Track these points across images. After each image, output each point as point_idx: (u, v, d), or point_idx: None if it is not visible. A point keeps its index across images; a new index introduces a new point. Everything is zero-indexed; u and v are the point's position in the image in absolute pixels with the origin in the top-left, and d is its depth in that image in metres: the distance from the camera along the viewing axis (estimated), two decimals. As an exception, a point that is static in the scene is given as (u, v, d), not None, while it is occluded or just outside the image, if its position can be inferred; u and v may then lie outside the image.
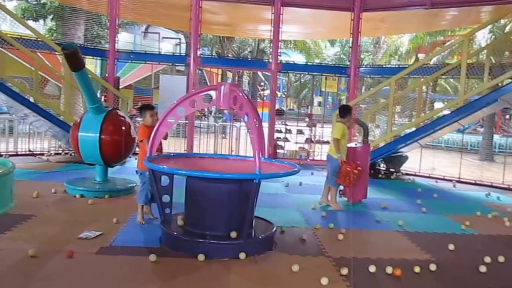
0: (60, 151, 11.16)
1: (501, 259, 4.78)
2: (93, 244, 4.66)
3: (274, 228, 5.01)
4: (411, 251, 5.04)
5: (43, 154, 10.79)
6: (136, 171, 5.74)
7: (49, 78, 14.51)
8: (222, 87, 4.84)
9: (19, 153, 10.74)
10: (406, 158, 10.73)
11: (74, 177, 7.61)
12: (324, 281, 3.90)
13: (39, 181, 7.74)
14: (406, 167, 10.95)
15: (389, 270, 4.25)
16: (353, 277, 4.08)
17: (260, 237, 4.82)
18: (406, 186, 9.39)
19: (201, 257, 4.31)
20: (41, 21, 16.53)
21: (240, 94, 4.78)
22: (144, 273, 4.02)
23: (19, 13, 15.30)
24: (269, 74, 12.75)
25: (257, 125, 4.76)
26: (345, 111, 7.08)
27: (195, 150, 11.86)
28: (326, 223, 5.93)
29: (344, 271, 4.16)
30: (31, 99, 9.48)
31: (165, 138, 5.48)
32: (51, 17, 16.04)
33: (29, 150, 10.98)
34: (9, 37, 9.54)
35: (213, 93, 4.90)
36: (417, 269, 4.33)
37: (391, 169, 10.58)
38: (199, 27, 11.55)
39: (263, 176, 4.52)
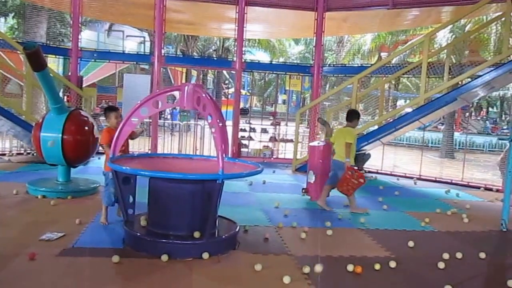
0: (22, 151, 10.93)
1: (459, 255, 4.94)
2: (55, 245, 4.62)
3: (238, 228, 5.09)
4: (372, 249, 5.19)
5: (4, 154, 10.53)
6: (103, 173, 5.69)
7: (10, 77, 14.17)
8: (186, 87, 4.87)
9: (-23, 153, 10.46)
10: (369, 156, 10.98)
11: (36, 178, 7.49)
12: (286, 279, 4.00)
13: (0, 182, 7.59)
14: (368, 164, 11.21)
15: (350, 267, 4.38)
16: (314, 275, 4.20)
17: (223, 236, 4.88)
18: (368, 184, 9.53)
19: (164, 257, 4.34)
20: (2, 19, 16.09)
21: (203, 95, 4.82)
22: (107, 274, 4.03)
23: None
24: (234, 72, 12.81)
25: (220, 125, 4.83)
26: (352, 116, 7.12)
27: (159, 150, 11.81)
28: (289, 221, 6.04)
29: (306, 269, 4.26)
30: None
31: (133, 138, 5.49)
32: (12, 14, 15.63)
33: (-12, 151, 10.70)
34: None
35: (176, 93, 4.94)
36: (377, 266, 4.48)
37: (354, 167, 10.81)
38: (163, 26, 11.50)
39: (226, 177, 4.59)
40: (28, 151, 10.73)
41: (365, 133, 10.34)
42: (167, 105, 5.09)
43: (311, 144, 8.11)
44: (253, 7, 11.81)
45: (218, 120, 4.75)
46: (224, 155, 4.58)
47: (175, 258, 4.39)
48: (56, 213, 5.94)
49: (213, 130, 4.63)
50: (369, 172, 10.97)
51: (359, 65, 17.35)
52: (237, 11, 11.70)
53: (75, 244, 4.74)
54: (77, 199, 6.70)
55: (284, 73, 13.51)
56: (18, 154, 10.78)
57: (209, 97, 4.88)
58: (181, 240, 4.59)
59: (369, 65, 13.21)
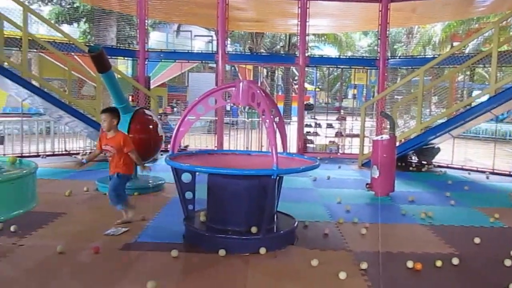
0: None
1: (528, 253, 4.63)
2: (119, 240, 4.81)
3: (296, 223, 5.04)
4: (435, 245, 4.96)
5: (78, 154, 11.15)
6: (118, 175, 5.32)
7: (85, 80, 15.00)
8: (240, 84, 4.90)
9: (55, 153, 11.14)
10: (438, 150, 10.51)
11: (105, 176, 7.83)
12: (342, 275, 3.91)
13: (72, 180, 8.02)
14: (438, 159, 10.72)
15: (409, 264, 4.21)
16: (372, 271, 4.07)
17: (280, 232, 4.86)
18: (436, 179, 9.20)
19: (221, 252, 4.39)
20: (75, 24, 17.03)
21: (258, 91, 4.82)
22: (166, 268, 4.13)
23: (53, 18, 15.80)
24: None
25: (275, 121, 4.80)
26: None
27: (225, 146, 11.98)
28: (350, 217, 5.91)
29: (364, 265, 4.15)
30: (65, 101, 9.80)
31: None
32: (84, 20, 16.49)
33: (65, 150, 11.37)
34: (43, 41, 9.88)
35: (231, 90, 4.97)
36: (438, 263, 4.27)
37: (422, 162, 10.39)
38: (226, 24, 11.64)
39: (281, 172, 4.55)
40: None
41: (433, 126, 9.88)
42: (223, 102, 5.13)
43: (374, 138, 7.88)
44: (316, 1, 11.66)
45: (273, 116, 4.72)
46: (278, 151, 4.54)
47: (233, 253, 4.42)
48: (122, 209, 6.18)
49: (267, 125, 4.60)
50: (439, 166, 10.48)
51: (428, 56, 16.62)
52: (299, 6, 11.60)
53: (138, 239, 4.90)
54: (142, 195, 6.93)
55: (349, 67, 13.23)
56: (91, 153, 11.33)
57: (263, 93, 4.87)
58: (239, 235, 4.62)
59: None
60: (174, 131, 5.08)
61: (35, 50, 10.39)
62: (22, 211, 2.99)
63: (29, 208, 3.09)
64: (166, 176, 7.58)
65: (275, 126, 4.73)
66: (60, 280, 3.83)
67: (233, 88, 4.91)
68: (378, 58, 11.84)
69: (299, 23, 11.71)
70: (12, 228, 4.84)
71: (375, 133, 11.65)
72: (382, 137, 7.56)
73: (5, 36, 9.05)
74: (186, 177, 5.11)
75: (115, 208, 5.41)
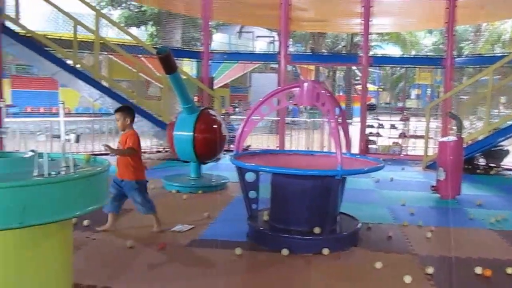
0: (160, 149, 11.90)
1: None
2: (185, 237, 4.96)
3: (359, 224, 4.99)
4: (505, 251, 4.74)
5: (145, 152, 11.58)
6: (133, 186, 5.03)
7: (152, 81, 15.56)
8: (305, 84, 4.92)
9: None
10: (507, 152, 10.02)
11: (171, 174, 8.09)
12: (407, 279, 3.82)
13: (140, 177, 8.33)
14: (508, 161, 10.21)
15: (478, 270, 4.05)
16: (439, 276, 3.96)
17: (344, 233, 4.83)
18: (506, 182, 8.76)
19: (284, 251, 4.42)
20: (143, 27, 17.67)
21: (323, 91, 4.82)
22: (230, 265, 4.21)
23: (122, 21, 16.47)
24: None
25: (339, 122, 4.77)
26: None
27: (287, 147, 12.01)
28: (415, 220, 5.75)
29: (430, 269, 4.04)
30: (134, 101, 10.22)
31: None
32: (151, 23, 17.07)
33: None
34: (113, 44, 10.35)
35: (296, 90, 5.00)
36: (509, 270, 4.07)
37: (490, 164, 9.93)
38: (288, 25, 11.67)
39: (345, 173, 4.52)
40: (166, 149, 11.65)
41: (502, 127, 9.41)
42: (287, 103, 5.16)
43: (441, 140, 7.63)
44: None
45: (337, 116, 4.70)
46: (343, 151, 4.52)
47: (295, 253, 4.44)
48: (187, 206, 6.36)
49: (331, 126, 4.59)
50: (508, 169, 9.97)
51: (496, 54, 15.82)
52: (363, 5, 11.43)
53: (203, 236, 5.03)
54: (207, 194, 7.10)
55: (413, 66, 12.87)
56: (157, 151, 11.77)
57: (328, 93, 4.86)
58: (301, 235, 4.63)
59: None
60: (239, 131, 5.17)
61: (105, 53, 10.91)
62: (96, 207, 3.14)
63: (102, 204, 3.26)
64: (230, 175, 7.74)
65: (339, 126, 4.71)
66: (129, 274, 4.00)
67: (297, 89, 4.94)
68: (444, 56, 11.43)
69: (362, 22, 11.53)
70: (85, 223, 5.12)
71: (440, 135, 11.25)
72: (449, 139, 7.31)
73: (78, 39, 9.56)
74: (250, 177, 5.19)
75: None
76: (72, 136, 3.14)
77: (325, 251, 4.44)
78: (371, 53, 12.54)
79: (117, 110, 5.18)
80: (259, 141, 13.19)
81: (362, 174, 7.15)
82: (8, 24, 8.28)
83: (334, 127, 4.53)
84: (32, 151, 3.29)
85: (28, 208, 2.60)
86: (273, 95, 4.97)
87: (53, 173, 2.86)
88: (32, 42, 8.70)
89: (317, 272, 4.08)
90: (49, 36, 9.57)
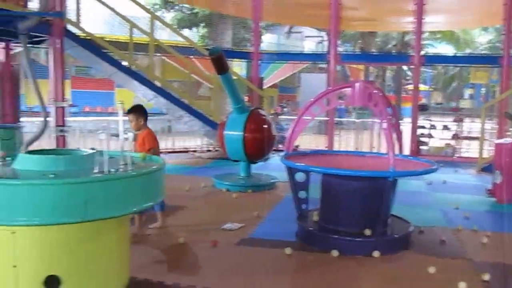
0: (211, 148, 12.10)
1: None
2: (235, 235, 5.02)
3: (411, 228, 4.89)
4: None
5: (196, 151, 11.83)
6: None
7: (202, 81, 15.84)
8: (357, 84, 4.88)
9: (176, 150, 11.94)
10: None
11: (221, 172, 8.21)
12: (462, 285, 3.69)
13: (191, 176, 8.54)
14: None
15: (539, 279, 3.89)
16: (496, 283, 3.83)
17: (395, 235, 4.75)
18: None
19: (334, 252, 4.40)
20: (194, 29, 18.00)
21: (375, 91, 4.77)
22: (279, 265, 4.23)
23: (175, 23, 16.85)
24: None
25: (392, 122, 4.70)
26: None
27: (335, 147, 11.91)
28: (470, 224, 5.57)
29: (486, 276, 3.91)
30: (186, 101, 10.45)
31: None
32: (202, 24, 17.36)
33: (185, 148, 12.14)
34: (167, 46, 10.62)
35: (347, 90, 4.97)
36: None
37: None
38: (338, 24, 11.57)
39: (397, 174, 4.45)
40: (216, 148, 11.82)
41: None
42: (338, 103, 5.14)
43: (497, 141, 7.35)
44: (433, -4, 11.15)
45: (390, 117, 4.64)
46: (396, 152, 4.45)
47: (345, 254, 4.41)
48: (237, 205, 6.45)
49: (384, 126, 4.52)
50: None
51: None
52: (415, 2, 11.16)
53: (253, 234, 5.08)
54: (256, 193, 7.16)
55: (468, 65, 12.44)
56: (207, 150, 11.98)
57: (381, 93, 4.80)
58: (352, 236, 4.59)
59: None
60: (289, 131, 5.20)
61: (158, 54, 11.21)
62: (152, 204, 3.26)
63: (158, 201, 3.37)
64: (279, 175, 7.77)
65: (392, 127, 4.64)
66: (182, 269, 4.12)
67: (349, 89, 4.90)
68: (501, 55, 10.98)
69: (414, 20, 11.26)
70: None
71: (495, 136, 10.82)
72: (505, 140, 7.03)
73: (133, 41, 9.88)
74: (300, 177, 5.20)
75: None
76: (130, 135, 3.26)
77: (376, 253, 4.38)
78: (423, 52, 12.23)
79: (129, 111, 5.07)
80: (307, 141, 13.14)
81: (413, 176, 6.99)
82: (69, 27, 8.65)
83: (387, 128, 4.47)
84: (93, 149, 3.45)
85: (90, 203, 2.74)
86: (325, 95, 4.96)
87: (112, 170, 2.99)
88: (91, 45, 9.07)
89: (367, 274, 4.04)
90: (106, 39, 9.95)
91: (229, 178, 7.67)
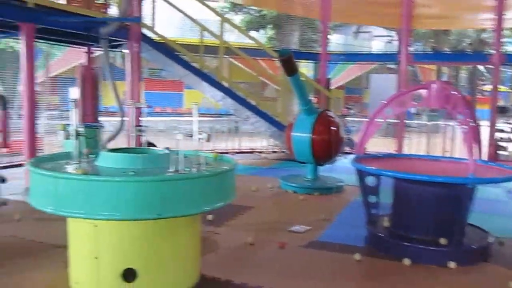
0: (276, 149, 12.11)
1: None
2: (302, 238, 4.98)
3: (491, 238, 4.61)
4: None
5: (262, 152, 11.89)
6: None
7: (268, 82, 15.91)
8: (433, 85, 4.68)
9: (242, 150, 12.06)
10: None
11: (287, 174, 8.18)
12: (549, 303, 3.46)
13: (257, 176, 8.58)
14: None
15: None
16: None
17: (473, 246, 4.49)
18: None
19: (406, 261, 4.23)
20: (262, 31, 18.11)
21: (454, 92, 4.55)
22: (348, 270, 4.14)
23: (243, 25, 17.03)
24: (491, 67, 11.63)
25: (472, 126, 4.46)
26: None
27: (405, 151, 11.52)
28: (558, 237, 5.18)
29: None
30: (253, 102, 10.52)
31: None
32: (270, 26, 17.42)
33: (251, 148, 12.24)
34: (235, 48, 10.75)
35: (423, 92, 4.78)
36: None
37: None
38: (410, 23, 11.19)
39: (478, 181, 4.21)
40: (281, 150, 11.81)
41: None
42: (413, 105, 4.95)
43: None
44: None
45: (469, 120, 4.40)
46: (476, 158, 4.22)
47: (418, 263, 4.23)
48: (304, 207, 6.39)
49: (464, 130, 4.30)
50: None
51: None
52: (496, -3, 10.58)
53: (320, 238, 5.01)
54: (323, 196, 7.07)
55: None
56: (273, 152, 12.01)
57: (460, 95, 4.57)
58: (425, 245, 4.39)
59: None
60: (361, 133, 5.07)
61: (226, 56, 11.37)
62: (224, 204, 3.29)
63: (229, 201, 3.40)
64: (346, 178, 7.63)
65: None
66: (251, 269, 4.12)
67: (424, 90, 4.71)
68: None
69: (494, 17, 10.66)
70: (209, 217, 5.38)
71: None
72: None
73: (204, 44, 10.09)
74: (370, 180, 5.06)
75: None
76: (204, 135, 3.31)
77: (451, 264, 4.17)
78: (502, 50, 11.53)
79: None
80: (374, 144, 12.80)
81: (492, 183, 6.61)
82: (145, 31, 8.96)
83: (467, 131, 4.24)
84: (167, 148, 3.54)
85: (166, 201, 2.81)
86: (398, 97, 4.79)
87: (187, 169, 3.05)
88: (165, 48, 9.36)
89: (442, 286, 3.85)
90: (178, 42, 10.23)
91: (296, 179, 7.63)
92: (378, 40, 28.13)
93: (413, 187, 4.56)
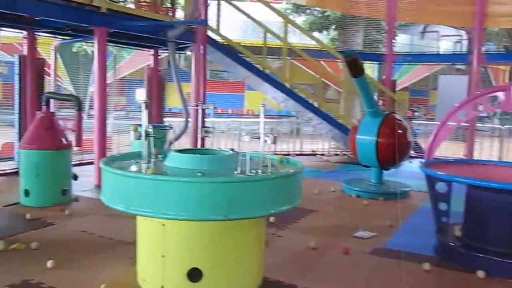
0: (338, 152, 11.91)
1: None
2: (367, 244, 4.85)
3: None
4: None
5: (323, 154, 11.73)
6: None
7: (330, 84, 15.71)
8: (512, 88, 4.40)
9: (303, 152, 11.96)
10: None
11: (350, 178, 8.01)
12: None
13: (319, 179, 8.46)
14: None
15: None
16: None
17: (556, 260, 4.18)
18: None
19: (480, 273, 4.00)
20: (325, 32, 17.90)
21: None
22: (417, 280, 3.97)
23: (306, 26, 16.92)
24: None
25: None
26: None
27: (475, 156, 10.98)
28: None
29: None
30: (315, 104, 10.41)
31: None
32: (333, 27, 17.20)
33: (312, 150, 12.11)
34: (298, 49, 10.68)
35: (500, 94, 4.51)
36: None
37: None
38: (483, 22, 10.65)
39: None
40: (344, 152, 11.60)
41: None
42: (489, 108, 4.68)
43: None
44: None
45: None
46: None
47: (493, 276, 3.99)
48: (368, 212, 6.23)
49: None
50: None
51: None
52: None
53: (386, 245, 4.85)
54: (388, 201, 6.84)
55: None
56: (335, 154, 11.82)
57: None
58: (502, 257, 4.12)
59: None
60: (431, 138, 4.86)
61: (288, 58, 11.31)
62: (289, 207, 3.24)
63: (295, 205, 3.34)
64: (412, 183, 7.37)
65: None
66: (314, 274, 4.04)
67: (503, 92, 4.43)
68: None
69: None
70: (271, 220, 5.35)
71: None
72: None
73: (267, 46, 10.10)
74: (440, 187, 4.82)
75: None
76: (271, 137, 3.28)
77: (532, 279, 3.90)
78: None
79: None
80: (441, 148, 12.29)
81: None
82: (210, 33, 9.10)
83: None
84: (232, 149, 3.54)
85: (233, 203, 2.80)
86: (474, 99, 4.54)
87: (253, 171, 3.03)
88: (229, 50, 9.46)
89: (521, 301, 3.61)
90: (241, 44, 10.31)
91: (359, 183, 7.45)
92: (446, 40, 26.99)
93: (488, 195, 4.30)
